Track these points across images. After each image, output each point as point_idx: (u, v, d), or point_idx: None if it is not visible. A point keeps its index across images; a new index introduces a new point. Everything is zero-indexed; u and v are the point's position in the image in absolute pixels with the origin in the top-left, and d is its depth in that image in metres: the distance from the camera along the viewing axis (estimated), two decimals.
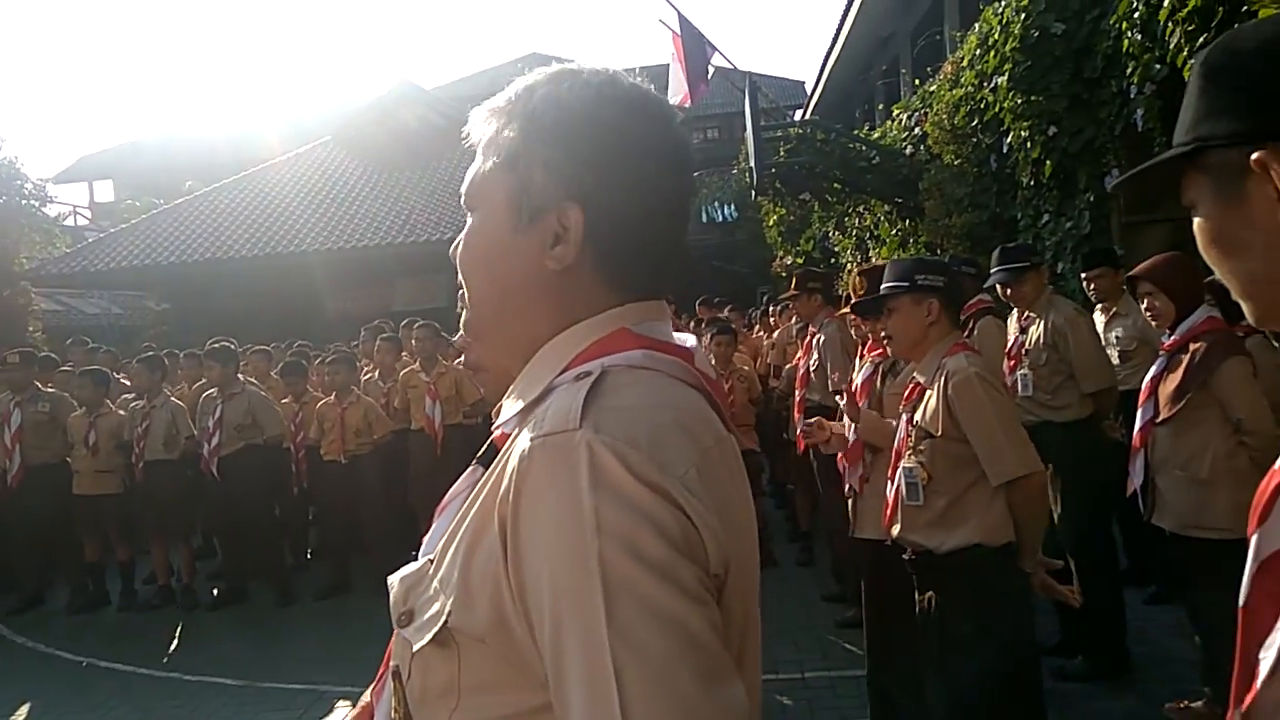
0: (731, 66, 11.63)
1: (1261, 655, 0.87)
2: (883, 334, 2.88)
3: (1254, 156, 0.83)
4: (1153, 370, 3.38)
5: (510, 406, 0.87)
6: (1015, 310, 4.43)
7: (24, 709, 4.85)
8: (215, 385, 6.51)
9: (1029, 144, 6.85)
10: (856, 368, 3.86)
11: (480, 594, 0.76)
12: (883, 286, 2.77)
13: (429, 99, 18.97)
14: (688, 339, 0.92)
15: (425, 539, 0.89)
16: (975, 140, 8.07)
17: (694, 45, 10.85)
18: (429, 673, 0.82)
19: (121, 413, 6.65)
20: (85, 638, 5.96)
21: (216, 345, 6.66)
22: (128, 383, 7.52)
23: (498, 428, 0.88)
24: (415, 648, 0.82)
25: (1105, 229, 6.55)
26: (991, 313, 4.83)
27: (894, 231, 10.21)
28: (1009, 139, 7.23)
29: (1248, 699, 0.89)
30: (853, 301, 3.39)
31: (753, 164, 10.26)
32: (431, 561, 0.84)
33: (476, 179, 0.92)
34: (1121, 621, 4.04)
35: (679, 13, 10.72)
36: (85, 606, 6.56)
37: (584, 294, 0.87)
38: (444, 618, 0.79)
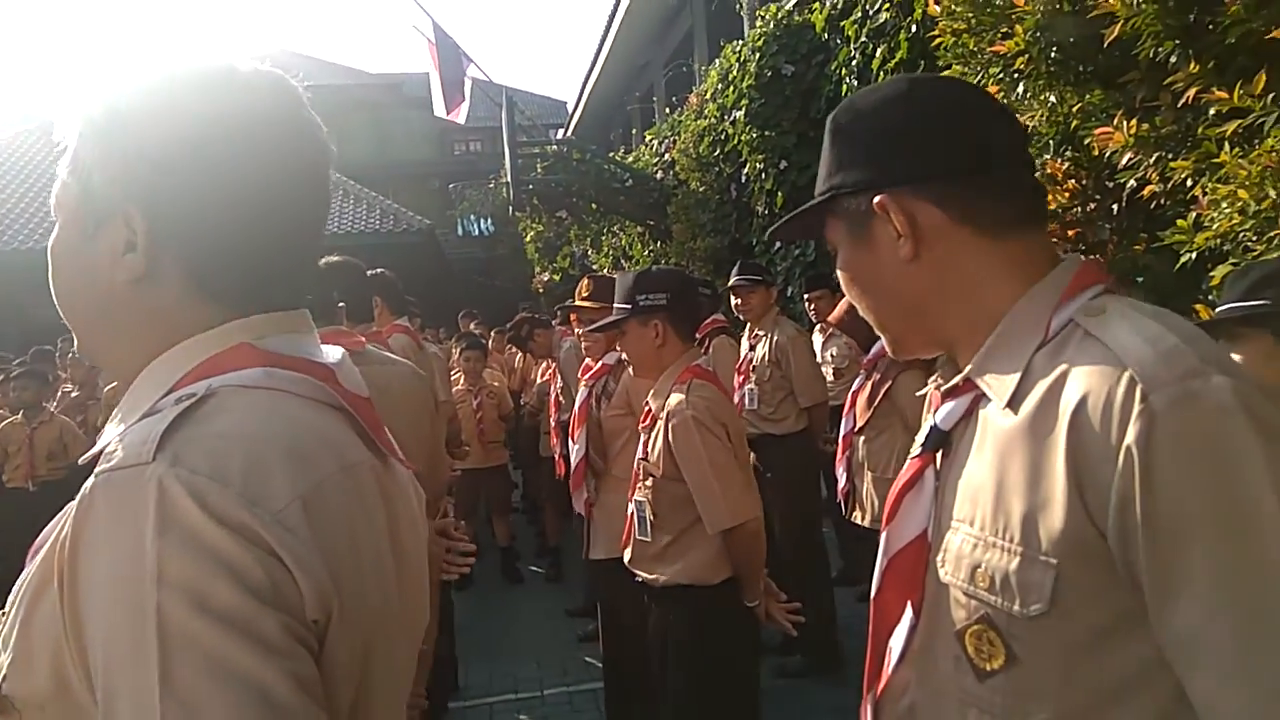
0: (487, 79, 11.56)
1: (891, 643, 0.95)
2: (623, 356, 2.86)
3: (876, 200, 0.92)
4: (855, 385, 3.72)
5: (108, 432, 0.76)
6: (747, 328, 4.72)
7: None
8: None
9: (763, 175, 7.33)
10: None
11: (41, 654, 0.67)
12: (615, 305, 2.74)
13: None
14: (332, 354, 0.85)
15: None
16: (717, 169, 8.53)
17: (449, 56, 10.68)
18: None
19: None
20: None
21: None
22: None
23: (87, 459, 0.77)
24: None
25: (828, 257, 7.12)
26: (725, 332, 5.11)
27: (646, 252, 10.57)
28: (746, 170, 7.71)
29: (879, 684, 0.97)
30: (579, 309, 3.42)
31: (510, 180, 10.26)
32: (3, 615, 0.73)
33: (55, 187, 0.81)
34: (834, 619, 4.37)
35: (434, 21, 10.51)
36: None
37: (182, 307, 0.78)
38: None
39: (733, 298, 4.69)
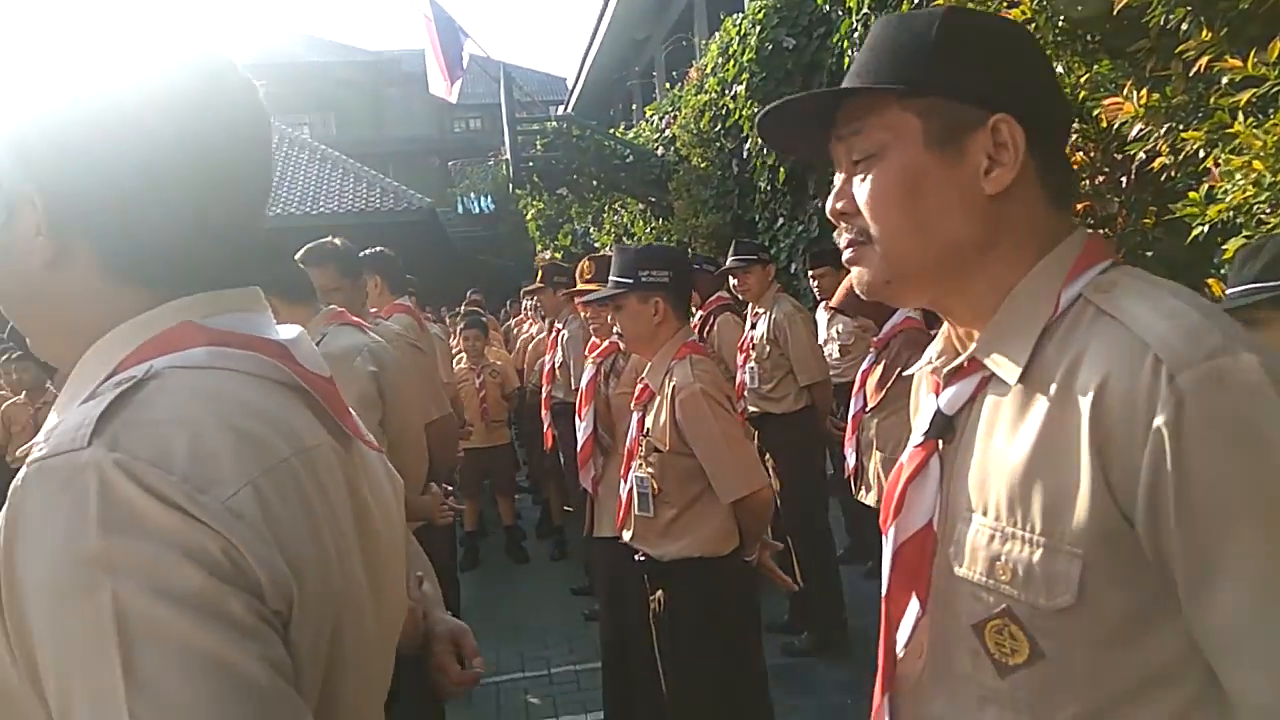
0: (485, 56, 11.44)
1: (897, 637, 0.93)
2: (615, 330, 2.83)
3: (996, 118, 0.84)
4: (864, 365, 3.69)
5: (49, 422, 0.72)
6: (749, 306, 4.69)
7: None
8: None
9: (765, 151, 7.26)
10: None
11: None
12: (610, 278, 2.69)
13: None
14: (290, 331, 0.81)
15: None
16: (719, 145, 8.44)
17: (447, 32, 10.57)
18: None
19: None
20: None
21: None
22: None
23: (22, 451, 0.72)
24: None
25: (830, 234, 7.08)
26: (730, 309, 5.07)
27: (648, 229, 10.50)
28: (748, 145, 7.63)
29: (891, 678, 0.95)
30: (580, 293, 3.36)
31: (509, 157, 10.18)
32: None
33: None
34: (840, 597, 4.36)
35: None
36: None
37: (103, 291, 0.75)
38: None
39: (731, 278, 4.67)
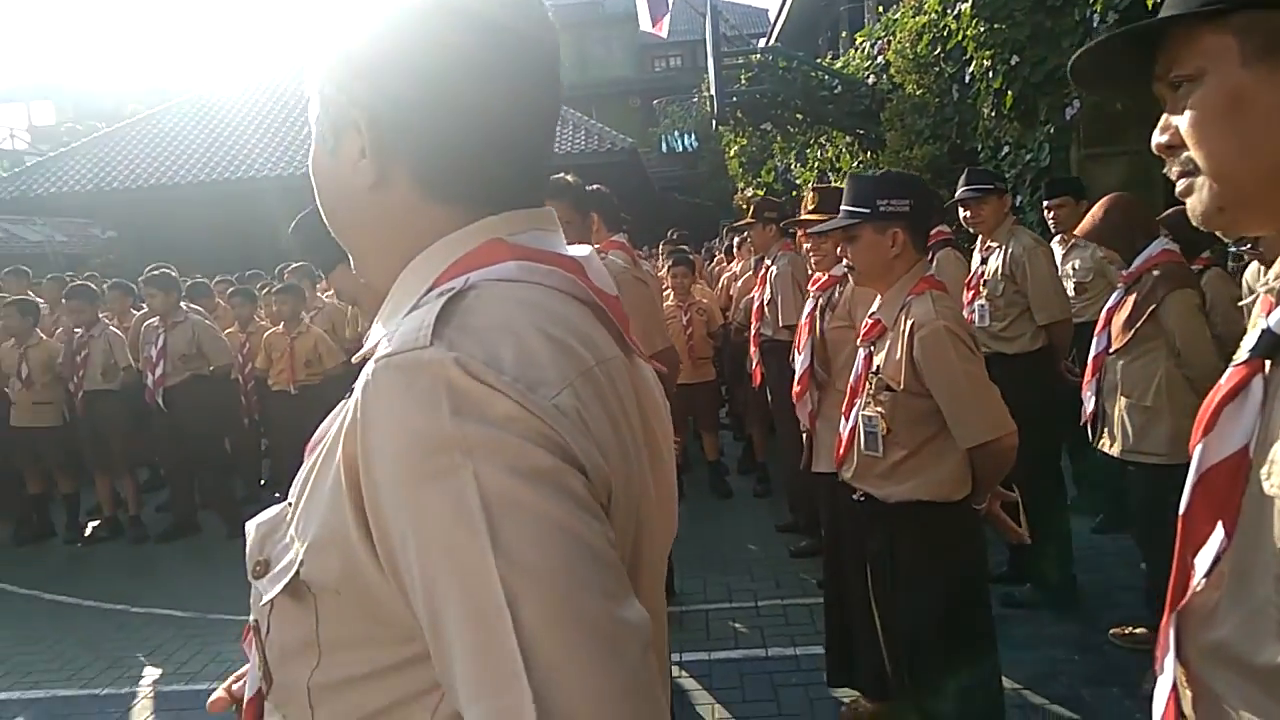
0: None
1: (1195, 561, 0.89)
2: (845, 262, 2.72)
3: None
4: (1110, 301, 3.40)
5: (375, 333, 0.78)
6: (979, 240, 4.41)
7: None
8: (157, 314, 6.30)
9: (991, 73, 6.76)
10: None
11: (330, 541, 0.69)
12: (843, 207, 2.55)
13: None
14: (581, 250, 0.84)
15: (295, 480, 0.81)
16: (937, 70, 7.96)
17: None
18: (286, 628, 0.76)
19: (59, 343, 6.43)
20: (30, 570, 5.83)
21: (157, 272, 6.42)
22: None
23: (359, 357, 0.76)
24: (265, 599, 0.76)
25: (1064, 161, 6.53)
26: (951, 244, 4.80)
27: (855, 164, 10.13)
28: (971, 68, 7.14)
29: (1183, 602, 0.91)
30: (808, 222, 3.27)
31: (713, 92, 10.06)
32: (291, 505, 0.77)
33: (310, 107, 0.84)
34: (1068, 550, 4.12)
35: None
36: (29, 539, 6.42)
37: (419, 210, 0.78)
38: (295, 567, 0.72)
39: (961, 210, 4.33)
